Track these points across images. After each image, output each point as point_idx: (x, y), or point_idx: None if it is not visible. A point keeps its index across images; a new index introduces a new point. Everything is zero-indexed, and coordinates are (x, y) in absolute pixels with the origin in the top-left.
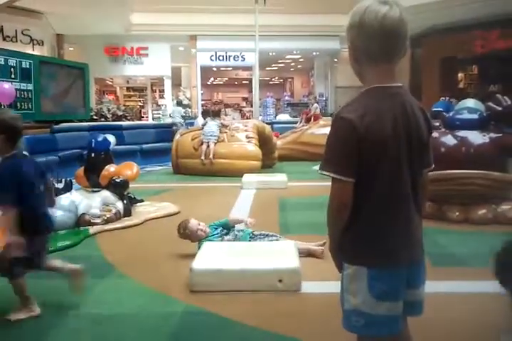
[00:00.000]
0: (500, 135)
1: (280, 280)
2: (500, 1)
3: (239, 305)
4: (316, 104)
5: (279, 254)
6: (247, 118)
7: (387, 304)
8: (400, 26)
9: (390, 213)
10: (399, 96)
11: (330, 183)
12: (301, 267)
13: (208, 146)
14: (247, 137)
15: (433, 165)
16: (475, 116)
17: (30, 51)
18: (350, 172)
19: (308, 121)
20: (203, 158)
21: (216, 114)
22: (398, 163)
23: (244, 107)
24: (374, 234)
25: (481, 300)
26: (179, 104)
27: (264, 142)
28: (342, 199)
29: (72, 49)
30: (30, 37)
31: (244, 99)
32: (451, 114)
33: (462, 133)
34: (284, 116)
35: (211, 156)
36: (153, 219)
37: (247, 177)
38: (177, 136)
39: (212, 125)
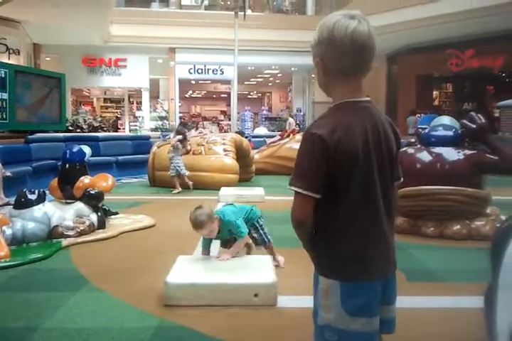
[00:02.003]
0: (474, 152)
1: (256, 295)
2: (474, 21)
3: (214, 320)
4: (290, 119)
5: (255, 269)
6: (224, 132)
7: (362, 320)
8: (368, 40)
9: (362, 227)
10: (368, 110)
11: None
12: (277, 281)
13: (179, 176)
14: (225, 150)
15: (402, 179)
16: (450, 133)
17: (5, 60)
18: (316, 188)
19: (287, 136)
20: (179, 189)
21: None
22: (370, 176)
23: (222, 120)
24: (346, 248)
25: (457, 315)
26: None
27: (241, 155)
28: (302, 215)
29: (49, 59)
30: (6, 46)
31: (223, 112)
32: (426, 130)
33: (437, 149)
34: (261, 130)
35: (190, 183)
36: (128, 231)
37: (224, 191)
38: (154, 148)
39: (176, 156)
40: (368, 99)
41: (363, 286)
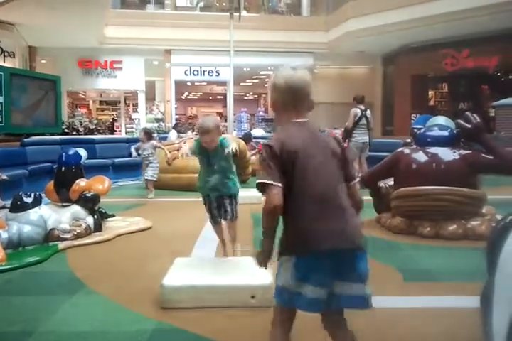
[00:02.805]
0: (470, 152)
1: (253, 296)
2: (469, 21)
3: (211, 322)
4: None
5: (252, 270)
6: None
7: (308, 287)
8: (303, 86)
9: (307, 209)
10: (305, 125)
11: None
12: (274, 283)
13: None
14: None
15: (357, 179)
16: (445, 133)
17: (0, 63)
18: (279, 180)
19: None
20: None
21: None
22: (311, 168)
23: None
24: (299, 229)
25: (454, 315)
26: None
27: (237, 157)
28: (278, 200)
29: (44, 61)
30: (1, 48)
31: (219, 113)
32: (422, 130)
33: (433, 149)
34: (258, 131)
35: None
36: (124, 234)
37: None
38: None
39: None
40: (306, 119)
41: (308, 259)
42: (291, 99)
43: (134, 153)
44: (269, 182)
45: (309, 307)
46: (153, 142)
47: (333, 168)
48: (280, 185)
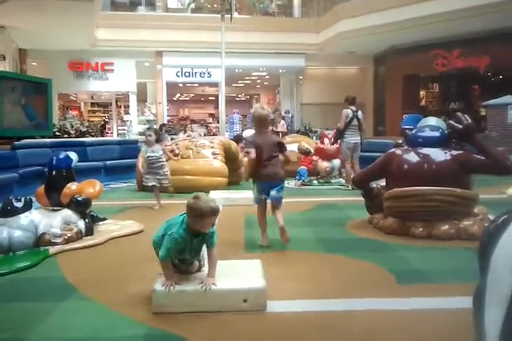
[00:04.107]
0: (461, 152)
1: (245, 300)
2: (460, 22)
3: (203, 327)
4: (282, 121)
5: (244, 274)
6: (213, 135)
7: (260, 195)
8: (264, 116)
9: (261, 165)
10: (263, 132)
11: (295, 200)
12: (267, 286)
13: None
14: (213, 154)
15: (285, 152)
16: (437, 133)
17: None
18: (253, 150)
19: None
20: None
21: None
22: (262, 150)
23: (210, 123)
24: (259, 171)
25: (447, 316)
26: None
27: (230, 159)
28: (253, 157)
29: (35, 64)
30: None
31: (211, 115)
32: (413, 131)
33: (424, 150)
34: (250, 132)
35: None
36: (116, 238)
37: (213, 194)
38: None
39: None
40: (265, 130)
41: (260, 183)
42: (258, 122)
43: (141, 168)
44: (250, 149)
45: (261, 201)
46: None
47: (272, 148)
48: (254, 151)
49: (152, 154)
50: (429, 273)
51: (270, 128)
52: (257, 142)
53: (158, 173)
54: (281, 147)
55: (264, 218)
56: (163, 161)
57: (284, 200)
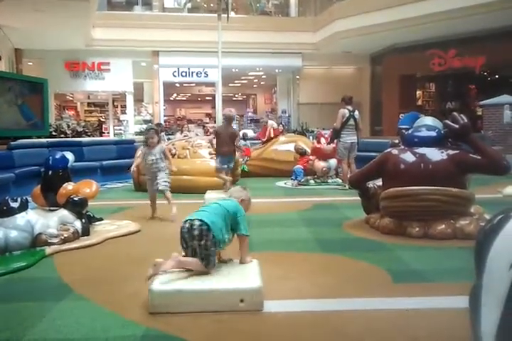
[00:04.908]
0: (457, 152)
1: (242, 300)
2: (456, 21)
3: (200, 327)
4: (270, 121)
5: (240, 273)
6: (210, 134)
7: (223, 166)
8: (231, 116)
9: (220, 146)
10: (227, 126)
11: (292, 200)
12: (263, 286)
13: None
14: (210, 153)
15: (238, 137)
16: (433, 133)
17: None
18: (216, 137)
19: (268, 140)
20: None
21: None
22: (222, 138)
23: (207, 123)
24: (219, 149)
25: (443, 315)
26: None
27: None
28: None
29: (31, 64)
30: None
31: (208, 115)
32: (409, 131)
33: (421, 150)
34: (249, 132)
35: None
36: (112, 238)
37: (209, 194)
38: (138, 153)
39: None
40: (230, 125)
41: (220, 156)
42: (227, 120)
43: (133, 166)
44: (214, 138)
45: (221, 169)
46: (162, 146)
47: (229, 137)
48: (215, 138)
49: (149, 157)
50: (426, 272)
51: (267, 134)
52: (219, 131)
53: (156, 177)
54: (233, 137)
55: (223, 176)
56: (160, 165)
57: (280, 200)
